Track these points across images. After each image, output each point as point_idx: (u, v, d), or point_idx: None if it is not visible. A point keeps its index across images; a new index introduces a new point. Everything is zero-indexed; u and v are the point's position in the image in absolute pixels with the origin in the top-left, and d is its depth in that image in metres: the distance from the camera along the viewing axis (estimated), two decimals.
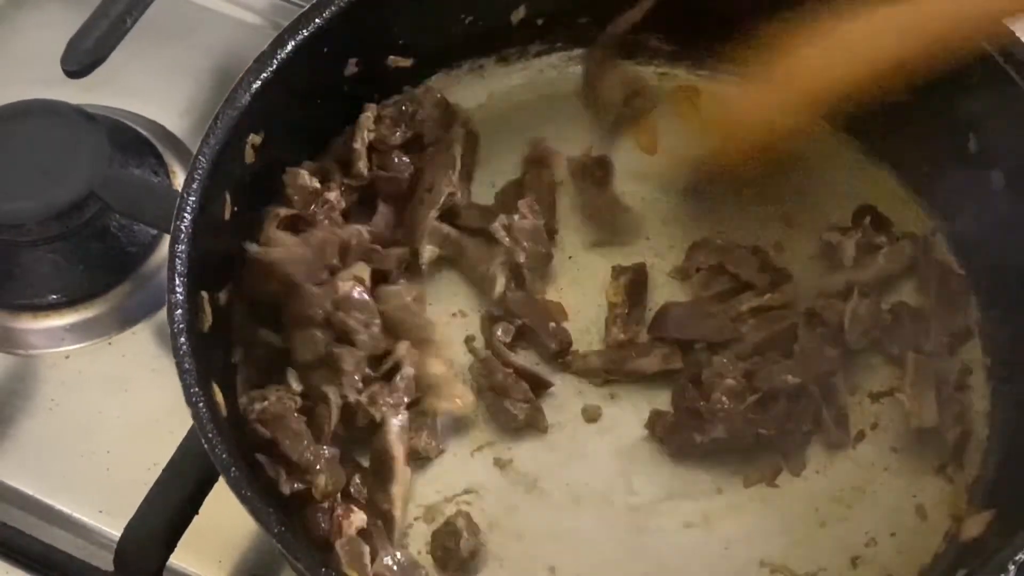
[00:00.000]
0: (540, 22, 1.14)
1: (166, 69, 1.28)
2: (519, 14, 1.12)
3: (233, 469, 0.85)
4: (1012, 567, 0.81)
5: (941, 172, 1.05)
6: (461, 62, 1.16)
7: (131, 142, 1.21)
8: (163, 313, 1.10)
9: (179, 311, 0.91)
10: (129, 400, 1.12)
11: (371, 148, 1.07)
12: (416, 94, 1.09)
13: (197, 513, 0.95)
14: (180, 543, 0.95)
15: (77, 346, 1.16)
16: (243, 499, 0.85)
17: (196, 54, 1.29)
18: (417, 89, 1.11)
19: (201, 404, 0.88)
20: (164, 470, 0.95)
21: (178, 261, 0.93)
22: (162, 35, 1.26)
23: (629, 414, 1.01)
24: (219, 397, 0.91)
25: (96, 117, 1.15)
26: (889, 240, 1.05)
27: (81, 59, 1.16)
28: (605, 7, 1.12)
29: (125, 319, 1.17)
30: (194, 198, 0.95)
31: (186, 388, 0.88)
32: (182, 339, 0.90)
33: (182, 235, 0.93)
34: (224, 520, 0.95)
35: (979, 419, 1.01)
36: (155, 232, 1.15)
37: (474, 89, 1.16)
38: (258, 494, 0.85)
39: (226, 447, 0.86)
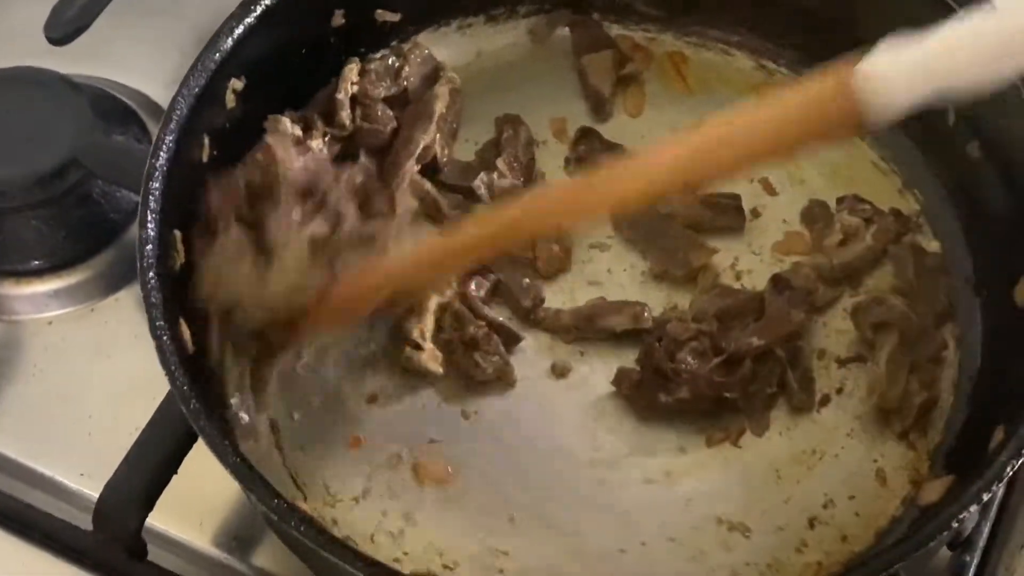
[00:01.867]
0: None
1: (151, 39, 1.39)
2: None
3: (194, 402, 0.96)
4: (955, 524, 0.93)
5: (919, 144, 1.16)
6: (450, 20, 1.27)
7: (115, 111, 1.33)
8: None
9: (149, 246, 1.02)
10: (111, 366, 1.22)
11: (355, 100, 1.19)
12: (402, 49, 1.22)
13: (176, 473, 1.05)
14: (161, 505, 1.03)
15: (60, 312, 1.26)
16: (201, 430, 0.96)
17: (181, 24, 1.40)
18: (404, 45, 1.22)
19: (165, 337, 0.97)
20: (143, 431, 1.04)
21: (151, 198, 1.03)
22: (147, 5, 1.39)
23: (598, 372, 1.13)
24: (186, 335, 1.03)
25: (80, 85, 1.27)
26: (876, 217, 1.14)
27: (64, 27, 1.27)
28: None
29: (108, 285, 1.27)
30: (170, 138, 1.05)
31: (151, 321, 0.98)
32: (150, 274, 1.00)
33: (156, 172, 1.04)
34: (205, 483, 1.04)
35: (945, 387, 1.10)
36: (138, 199, 1.20)
37: (462, 47, 1.27)
38: (217, 429, 0.96)
39: (187, 380, 0.97)
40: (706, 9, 1.24)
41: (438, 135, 1.18)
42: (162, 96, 1.36)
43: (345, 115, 1.17)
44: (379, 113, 1.19)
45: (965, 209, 1.15)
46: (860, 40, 1.02)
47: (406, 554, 1.05)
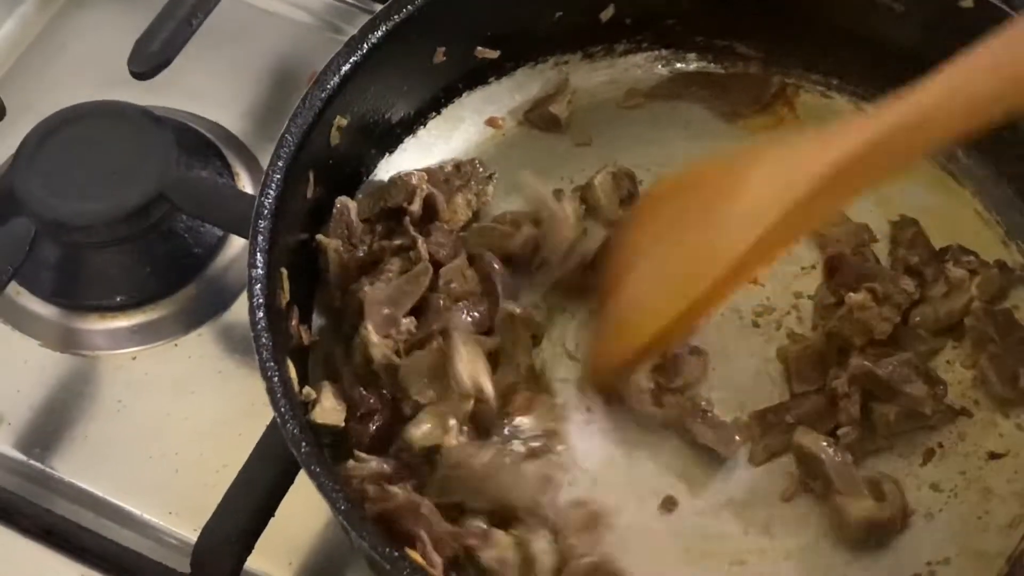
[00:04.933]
0: (628, 21, 1.35)
1: (225, 71, 1.49)
2: (608, 12, 1.34)
3: (304, 444, 1.01)
4: None
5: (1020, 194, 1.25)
6: (547, 57, 1.36)
7: (196, 144, 1.42)
8: (229, 315, 1.34)
9: (259, 285, 1.07)
10: (195, 402, 1.29)
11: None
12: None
13: (274, 515, 1.12)
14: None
15: (143, 347, 1.34)
16: (312, 475, 1.02)
17: (254, 56, 1.50)
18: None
19: (275, 378, 1.03)
20: (240, 472, 1.11)
21: (260, 236, 1.09)
22: (220, 37, 1.47)
23: None
24: (292, 373, 1.10)
25: (162, 119, 1.37)
26: (980, 268, 1.22)
27: (148, 60, 1.36)
28: (692, 11, 1.33)
29: (191, 321, 1.35)
30: (279, 176, 1.13)
31: (262, 361, 1.04)
32: (260, 313, 1.06)
33: (265, 210, 1.10)
34: (295, 521, 1.12)
35: None
36: (222, 233, 1.37)
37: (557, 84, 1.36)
38: (327, 471, 1.03)
39: (298, 422, 1.03)
40: (807, 50, 1.34)
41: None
42: (238, 127, 1.45)
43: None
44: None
45: None
46: None
47: None
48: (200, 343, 1.34)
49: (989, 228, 1.28)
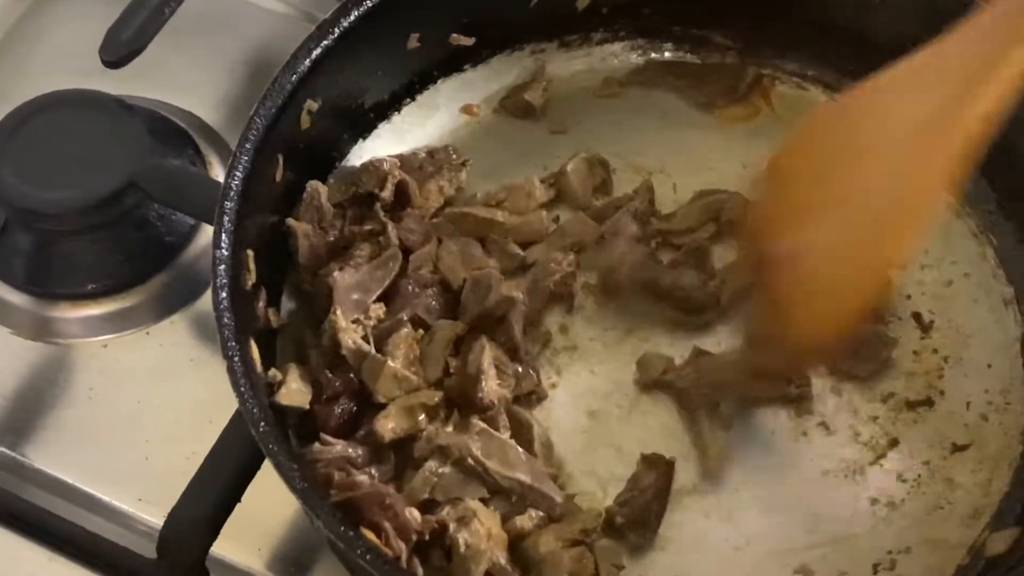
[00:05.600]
0: (604, 10, 1.37)
1: (201, 61, 1.51)
2: (584, 1, 1.36)
3: (263, 424, 1.03)
4: None
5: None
6: (523, 45, 1.39)
7: (169, 133, 1.44)
8: (200, 303, 1.36)
9: (222, 266, 1.09)
10: (167, 389, 1.31)
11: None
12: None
13: (239, 501, 1.14)
14: (221, 531, 1.13)
15: (115, 335, 1.36)
16: (269, 453, 1.03)
17: (231, 46, 1.52)
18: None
19: (236, 358, 1.05)
20: (206, 458, 1.13)
21: (225, 218, 1.11)
22: (197, 27, 1.50)
23: None
24: (255, 354, 1.12)
25: (135, 107, 1.39)
26: None
27: (119, 49, 1.38)
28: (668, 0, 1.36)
29: (163, 309, 1.37)
30: (246, 158, 1.14)
31: (223, 341, 1.06)
32: (223, 294, 1.08)
33: (231, 192, 1.12)
34: (265, 508, 1.14)
35: (1015, 436, 1.19)
36: (194, 222, 1.39)
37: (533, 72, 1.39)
38: (285, 451, 1.05)
39: (257, 402, 1.05)
40: (782, 41, 1.36)
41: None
42: (213, 117, 1.47)
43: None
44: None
45: None
46: None
47: None
48: (172, 331, 1.35)
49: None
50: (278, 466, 1.04)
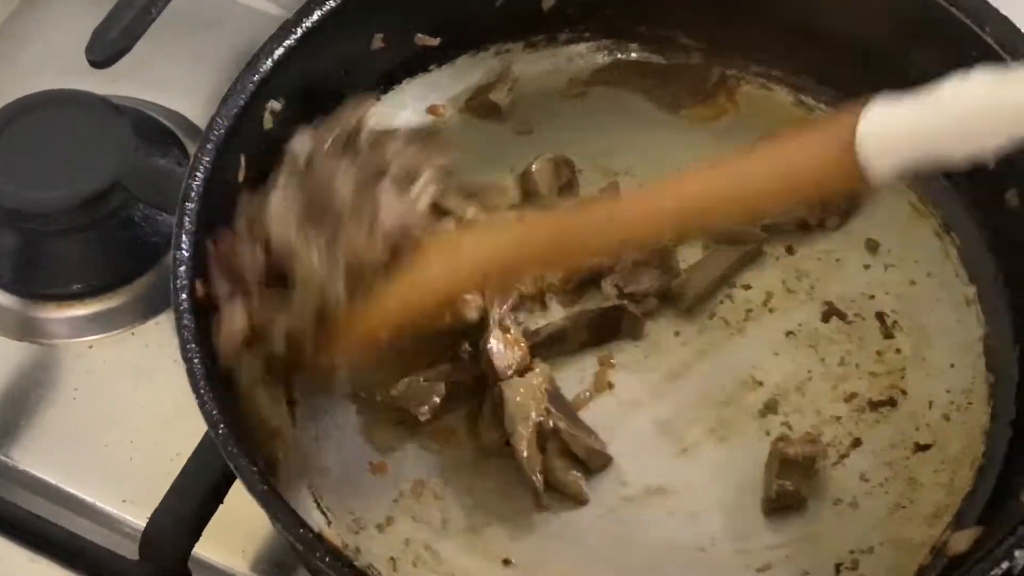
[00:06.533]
0: (570, 11, 1.39)
1: (190, 61, 1.53)
2: (550, 2, 1.38)
3: (222, 426, 1.05)
4: None
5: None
6: (488, 45, 1.41)
7: (155, 133, 1.47)
8: None
9: (183, 267, 1.11)
10: (152, 390, 1.34)
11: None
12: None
13: (222, 502, 1.16)
14: (204, 533, 1.14)
15: (100, 336, 1.38)
16: (229, 455, 1.04)
17: (220, 46, 1.54)
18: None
19: (196, 360, 1.07)
20: (189, 460, 1.15)
21: (187, 218, 1.13)
22: (186, 27, 1.52)
23: None
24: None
25: (121, 108, 1.41)
26: None
27: (106, 49, 1.39)
28: (634, 0, 1.38)
29: (148, 309, 1.39)
30: (208, 158, 1.16)
31: (183, 343, 1.08)
32: (183, 295, 1.10)
33: (192, 192, 1.14)
34: (247, 510, 1.12)
35: (977, 436, 1.22)
36: None
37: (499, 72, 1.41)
38: (245, 456, 1.07)
39: (217, 404, 1.06)
40: (747, 42, 1.38)
41: None
42: (201, 117, 1.49)
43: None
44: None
45: (1004, 255, 1.27)
46: (903, 79, 1.15)
47: None
48: (157, 332, 1.38)
49: (923, 220, 1.33)
50: (238, 468, 1.06)
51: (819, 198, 1.12)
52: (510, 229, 1.17)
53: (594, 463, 1.21)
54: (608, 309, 1.27)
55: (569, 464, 1.21)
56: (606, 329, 1.27)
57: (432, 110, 1.40)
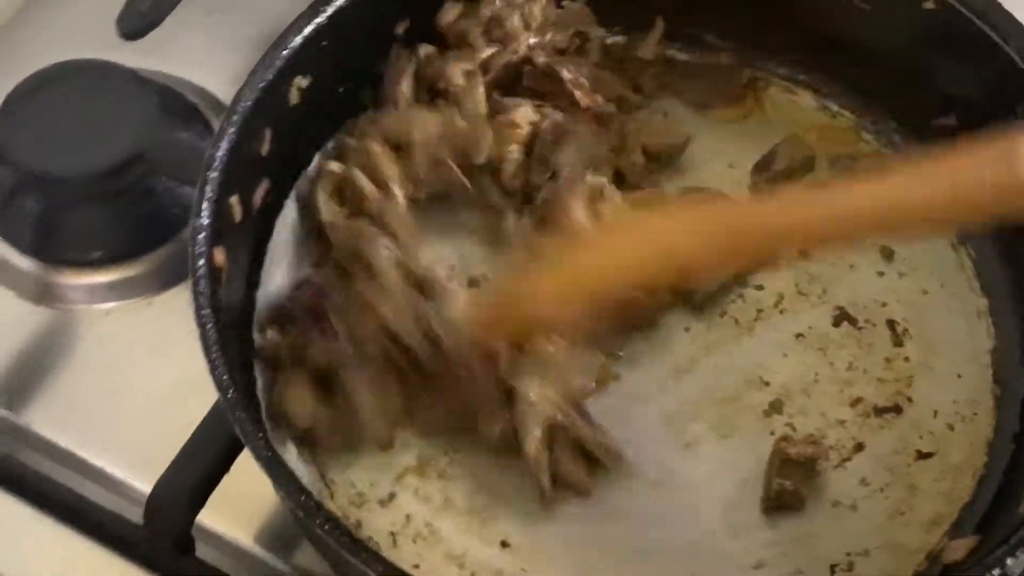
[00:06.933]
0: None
1: (218, 37, 1.55)
2: None
3: (231, 392, 1.07)
4: None
5: None
6: None
7: (180, 107, 1.49)
8: None
9: (202, 235, 1.13)
10: (165, 360, 1.35)
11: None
12: None
13: (228, 471, 1.17)
14: (210, 503, 1.15)
15: (117, 304, 1.40)
16: (236, 420, 1.07)
17: (249, 24, 1.55)
18: None
19: (209, 326, 1.10)
20: (197, 428, 1.16)
21: (208, 187, 1.15)
22: (216, 3, 1.55)
23: None
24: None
25: (147, 80, 1.44)
26: None
27: (136, 21, 1.41)
28: None
29: (165, 280, 1.41)
30: (233, 129, 1.17)
31: (197, 309, 1.11)
32: (200, 261, 1.12)
33: (215, 162, 1.15)
34: (254, 482, 1.13)
35: (979, 446, 1.23)
36: None
37: None
38: (252, 421, 1.08)
39: (227, 370, 1.07)
40: (772, 45, 1.40)
41: None
42: (226, 93, 1.49)
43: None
44: None
45: (1018, 269, 1.29)
46: (925, 87, 1.16)
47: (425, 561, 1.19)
48: (174, 302, 1.39)
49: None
50: (244, 435, 1.07)
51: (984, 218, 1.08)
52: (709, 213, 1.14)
53: (608, 461, 1.22)
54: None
55: (576, 456, 1.22)
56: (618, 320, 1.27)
57: None
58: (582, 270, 1.15)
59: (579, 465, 1.22)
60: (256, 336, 1.24)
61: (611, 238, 1.17)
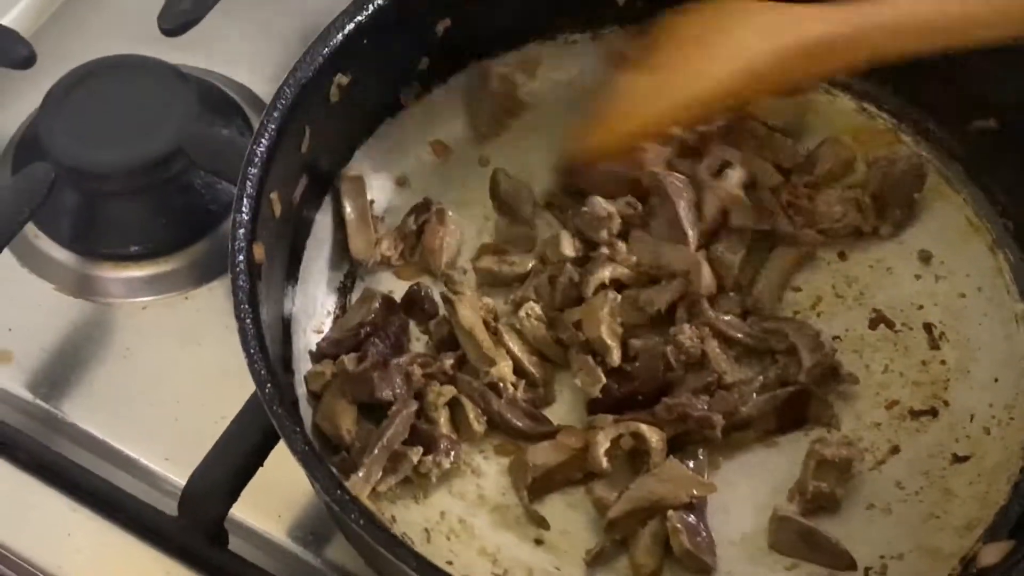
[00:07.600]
0: (640, 3, 1.40)
1: (258, 35, 1.57)
2: None
3: (269, 386, 1.08)
4: None
5: None
6: (555, 34, 1.43)
7: (220, 103, 1.51)
8: None
9: (242, 230, 1.15)
10: (201, 353, 1.38)
11: None
12: None
13: (262, 465, 1.19)
14: (244, 496, 1.18)
15: (154, 298, 1.43)
16: (273, 415, 1.07)
17: (289, 22, 1.57)
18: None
19: (248, 320, 1.11)
20: (233, 421, 1.19)
21: (249, 183, 1.16)
22: (255, 1, 1.56)
23: None
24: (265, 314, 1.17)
25: (188, 76, 1.46)
26: None
27: (178, 18, 1.45)
28: None
29: (202, 275, 1.43)
30: (273, 126, 1.19)
31: (237, 303, 1.12)
32: (240, 256, 1.13)
33: (256, 158, 1.17)
34: (287, 476, 1.17)
35: (1014, 450, 1.23)
36: None
37: (564, 63, 1.42)
38: (290, 415, 1.09)
39: (265, 363, 1.09)
40: None
41: None
42: (266, 91, 1.53)
43: None
44: None
45: None
46: (964, 89, 1.17)
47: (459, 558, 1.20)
48: (210, 297, 1.41)
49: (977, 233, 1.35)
50: (281, 428, 1.08)
51: None
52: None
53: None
54: (794, 393, 1.25)
55: None
56: (792, 415, 1.26)
57: None
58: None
59: None
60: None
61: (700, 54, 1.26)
